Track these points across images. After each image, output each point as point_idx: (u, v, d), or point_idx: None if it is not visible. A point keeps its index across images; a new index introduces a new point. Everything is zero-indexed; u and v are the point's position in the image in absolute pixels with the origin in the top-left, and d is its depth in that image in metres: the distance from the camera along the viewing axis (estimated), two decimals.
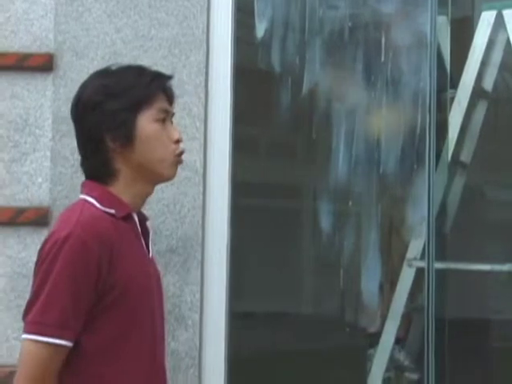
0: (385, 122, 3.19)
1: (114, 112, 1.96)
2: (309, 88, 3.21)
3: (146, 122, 1.98)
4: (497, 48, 3.21)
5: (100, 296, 1.88)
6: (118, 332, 1.91)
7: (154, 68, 2.13)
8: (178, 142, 2.01)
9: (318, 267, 3.31)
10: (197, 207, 2.99)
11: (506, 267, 3.04)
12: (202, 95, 2.98)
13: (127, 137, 1.97)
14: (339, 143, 3.18)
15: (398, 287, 3.15)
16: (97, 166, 1.99)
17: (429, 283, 2.96)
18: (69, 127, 3.11)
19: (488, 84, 3.25)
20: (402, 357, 3.24)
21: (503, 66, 3.24)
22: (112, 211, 1.95)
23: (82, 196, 2.00)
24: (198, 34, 3.03)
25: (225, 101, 3.04)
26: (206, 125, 2.99)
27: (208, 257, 3.01)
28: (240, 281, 3.09)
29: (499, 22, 3.14)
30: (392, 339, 3.16)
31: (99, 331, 1.90)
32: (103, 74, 2.04)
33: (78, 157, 3.09)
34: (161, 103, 2.01)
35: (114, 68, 2.04)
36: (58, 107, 3.07)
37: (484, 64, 3.19)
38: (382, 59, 3.15)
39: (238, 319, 3.06)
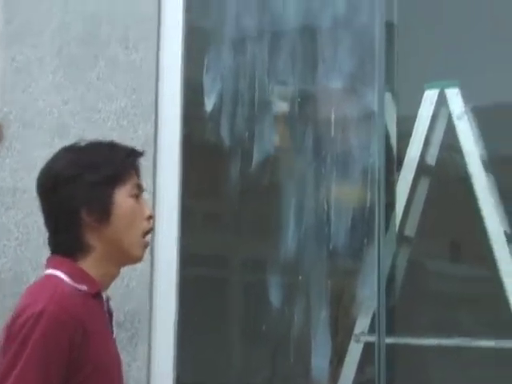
0: (334, 197, 3.06)
1: (93, 184, 1.83)
2: (258, 162, 3.08)
3: (122, 197, 1.86)
4: (439, 125, 3.13)
5: (69, 377, 1.73)
6: None
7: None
8: (149, 218, 1.91)
9: (268, 341, 3.13)
10: (144, 281, 2.81)
11: (452, 341, 2.90)
12: (150, 168, 2.82)
13: (104, 211, 1.83)
14: (289, 217, 3.04)
15: (346, 362, 2.98)
16: (68, 240, 1.85)
17: (379, 358, 2.80)
18: (14, 199, 2.93)
19: (431, 160, 3.16)
20: None
21: (445, 143, 3.16)
22: (84, 288, 1.81)
23: (50, 271, 1.85)
24: (147, 106, 2.89)
25: (173, 174, 2.88)
26: (154, 198, 2.83)
27: (155, 332, 2.82)
28: (188, 355, 2.89)
29: (442, 100, 3.07)
30: None
31: None
32: (74, 149, 1.91)
33: (22, 229, 2.91)
34: (134, 179, 1.91)
35: (83, 144, 1.91)
36: (2, 178, 2.87)
37: (427, 140, 3.10)
38: (332, 134, 3.04)
39: None
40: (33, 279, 2.71)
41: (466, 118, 3.02)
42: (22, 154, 2.87)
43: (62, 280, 1.82)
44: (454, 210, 3.19)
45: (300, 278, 3.05)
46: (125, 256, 1.88)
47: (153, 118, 2.88)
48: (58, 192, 1.85)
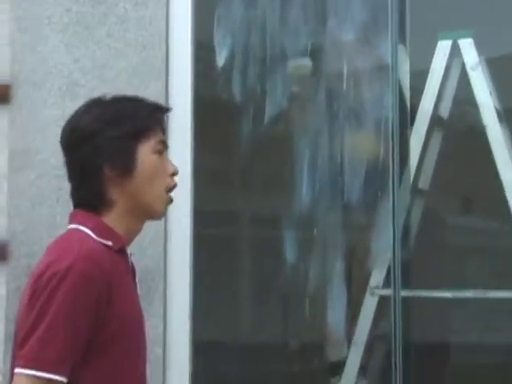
0: (348, 150, 3.01)
1: (116, 139, 1.79)
2: (270, 117, 3.02)
3: (146, 153, 1.82)
4: (452, 77, 3.05)
5: (97, 331, 1.71)
6: (114, 368, 1.74)
7: None
8: (173, 175, 1.87)
9: (283, 296, 3.10)
10: (158, 238, 2.77)
11: (467, 293, 2.86)
12: None
13: (127, 166, 1.80)
14: (302, 172, 2.99)
15: (361, 315, 2.94)
16: (91, 195, 1.82)
17: (395, 311, 2.77)
18: (25, 161, 2.88)
19: (444, 112, 3.09)
20: None
21: (458, 95, 3.09)
22: (109, 243, 1.79)
23: (74, 226, 1.82)
24: (157, 63, 2.82)
25: (185, 130, 2.83)
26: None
27: (170, 289, 2.79)
28: (204, 312, 2.87)
29: (455, 52, 2.99)
30: (356, 367, 2.94)
31: (94, 368, 1.72)
32: (99, 103, 1.87)
33: (35, 190, 2.88)
34: (159, 135, 1.86)
35: (108, 97, 1.87)
36: (14, 140, 2.82)
37: (441, 92, 3.03)
38: (344, 87, 2.97)
39: (202, 351, 2.84)
40: (46, 240, 2.69)
41: (479, 68, 2.94)
42: (33, 114, 2.81)
43: (87, 235, 1.79)
44: (468, 161, 3.14)
45: (315, 232, 3.01)
46: (147, 211, 1.85)
47: (164, 74, 2.81)
48: (82, 147, 1.81)
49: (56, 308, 1.68)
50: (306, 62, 2.99)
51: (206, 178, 2.98)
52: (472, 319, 3.01)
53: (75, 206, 1.85)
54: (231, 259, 3.12)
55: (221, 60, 3.01)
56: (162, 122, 1.89)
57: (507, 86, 3.00)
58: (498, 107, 2.91)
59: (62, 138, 1.87)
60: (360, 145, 3.03)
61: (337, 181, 2.98)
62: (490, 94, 2.91)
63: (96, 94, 2.48)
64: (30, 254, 2.72)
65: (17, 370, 1.69)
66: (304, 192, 2.98)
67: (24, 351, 1.68)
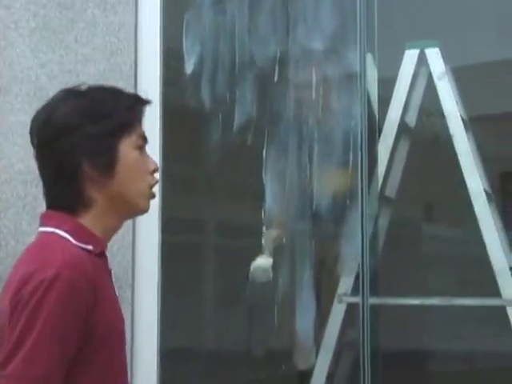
0: (317, 159, 2.99)
1: (96, 136, 1.65)
2: (239, 125, 2.99)
3: (127, 149, 1.68)
4: (419, 86, 3.05)
5: (85, 338, 1.60)
6: (100, 376, 1.63)
7: None
8: (154, 171, 1.74)
9: (251, 304, 3.07)
10: (126, 246, 2.73)
11: (434, 301, 2.85)
12: None
13: (109, 164, 1.66)
14: (271, 181, 2.97)
15: (330, 323, 2.92)
16: (68, 194, 1.67)
17: (363, 318, 2.75)
18: None
19: (411, 121, 3.09)
20: None
21: (425, 104, 3.09)
22: (89, 247, 1.66)
23: (49, 229, 1.67)
24: (126, 69, 2.79)
25: (153, 137, 2.78)
26: None
27: (138, 296, 2.75)
28: (171, 320, 2.83)
29: (422, 61, 2.99)
30: (324, 374, 2.92)
31: (81, 381, 1.61)
32: (75, 93, 1.71)
33: (0, 196, 2.82)
34: (139, 129, 1.73)
35: (84, 87, 1.71)
36: None
37: (408, 101, 3.03)
38: (313, 96, 2.96)
39: (170, 359, 2.80)
40: (13, 246, 2.63)
41: (446, 78, 2.94)
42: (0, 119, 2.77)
43: (67, 240, 1.65)
44: (434, 170, 3.14)
45: (284, 240, 2.99)
46: (130, 208, 1.73)
47: (132, 81, 2.78)
48: (58, 142, 1.66)
49: (43, 321, 1.55)
50: (267, 265, 2.96)
51: (175, 186, 2.94)
52: (439, 326, 3.01)
53: (48, 206, 1.71)
54: (199, 267, 3.09)
55: (189, 67, 2.98)
56: (141, 116, 1.75)
57: (473, 95, 3.01)
58: (464, 116, 2.91)
59: (32, 128, 1.71)
60: (328, 153, 3.02)
61: (306, 189, 2.97)
62: (457, 103, 2.91)
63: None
64: None
65: None
66: (273, 200, 2.96)
67: (8, 369, 1.54)
